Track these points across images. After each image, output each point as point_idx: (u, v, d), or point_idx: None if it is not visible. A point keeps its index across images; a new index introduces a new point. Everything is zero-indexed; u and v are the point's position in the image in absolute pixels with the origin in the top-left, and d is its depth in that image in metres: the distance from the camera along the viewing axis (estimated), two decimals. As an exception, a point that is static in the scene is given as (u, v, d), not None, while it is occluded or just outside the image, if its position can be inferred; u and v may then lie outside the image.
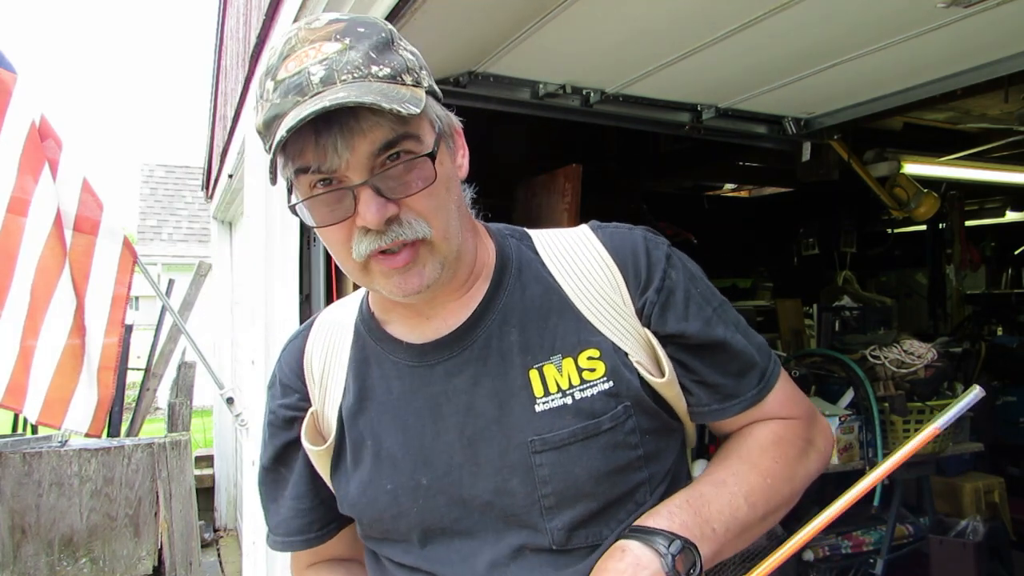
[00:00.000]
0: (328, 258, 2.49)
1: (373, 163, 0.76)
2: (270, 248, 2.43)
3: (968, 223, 5.01)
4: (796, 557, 2.81)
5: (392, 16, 1.61)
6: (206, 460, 5.89)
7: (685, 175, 4.26)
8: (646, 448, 0.87)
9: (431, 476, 0.87)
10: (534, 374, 0.86)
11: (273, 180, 0.81)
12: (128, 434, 3.69)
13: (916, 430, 2.81)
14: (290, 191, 0.81)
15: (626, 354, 0.87)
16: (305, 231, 2.49)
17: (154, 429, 5.81)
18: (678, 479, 0.93)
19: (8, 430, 3.64)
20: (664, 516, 0.83)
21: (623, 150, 3.72)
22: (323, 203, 0.78)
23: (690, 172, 4.17)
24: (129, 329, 3.58)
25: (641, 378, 0.87)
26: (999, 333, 4.76)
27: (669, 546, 0.79)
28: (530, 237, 0.96)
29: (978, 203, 5.18)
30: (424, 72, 0.82)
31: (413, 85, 0.79)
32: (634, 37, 1.97)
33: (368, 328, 0.95)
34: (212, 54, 5.12)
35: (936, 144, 3.55)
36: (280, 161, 0.78)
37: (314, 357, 0.97)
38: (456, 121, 0.88)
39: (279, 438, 0.98)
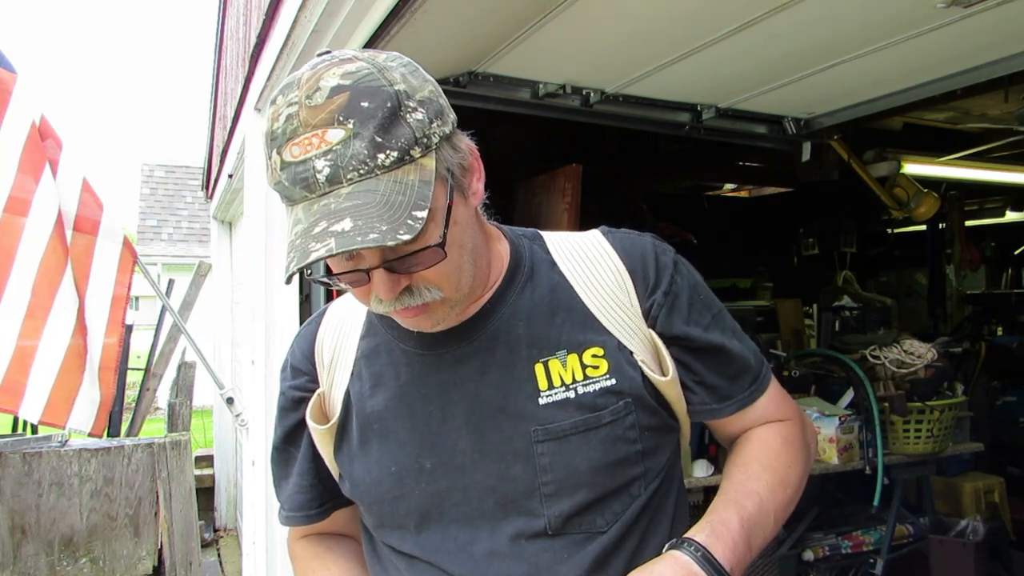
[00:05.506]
0: (328, 258, 2.49)
1: (384, 256, 0.80)
2: (270, 248, 2.44)
3: (968, 223, 5.00)
4: (796, 557, 2.81)
5: (392, 16, 1.61)
6: (206, 460, 5.89)
7: (685, 175, 4.25)
8: (644, 444, 0.91)
9: (435, 460, 0.90)
10: (539, 368, 0.90)
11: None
12: (128, 434, 3.69)
13: (916, 430, 2.81)
14: None
15: (631, 352, 0.91)
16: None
17: (154, 429, 5.80)
18: (672, 476, 0.98)
19: (8, 430, 3.63)
20: (729, 546, 0.85)
21: (623, 150, 3.72)
22: (341, 272, 0.82)
23: (690, 172, 4.17)
24: (129, 329, 3.57)
25: (644, 376, 0.91)
26: (999, 333, 4.76)
27: None
28: (542, 238, 1.00)
29: (978, 203, 5.17)
30: (436, 124, 0.80)
31: (422, 156, 0.78)
32: (634, 37, 1.97)
33: (380, 317, 0.98)
34: (212, 54, 5.12)
35: (936, 144, 3.55)
36: None
37: (325, 342, 1.02)
38: (470, 149, 0.87)
39: (288, 418, 1.03)
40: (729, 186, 4.77)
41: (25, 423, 3.30)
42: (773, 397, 1.01)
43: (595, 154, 3.53)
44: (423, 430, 0.91)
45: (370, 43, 1.74)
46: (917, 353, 2.90)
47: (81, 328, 2.70)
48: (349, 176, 0.74)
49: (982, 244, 5.52)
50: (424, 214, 0.75)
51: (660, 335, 0.93)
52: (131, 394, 4.96)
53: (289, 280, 0.78)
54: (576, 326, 0.91)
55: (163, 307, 3.67)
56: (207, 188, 6.05)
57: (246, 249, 3.00)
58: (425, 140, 0.78)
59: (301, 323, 2.50)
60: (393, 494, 0.92)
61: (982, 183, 4.21)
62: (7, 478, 2.68)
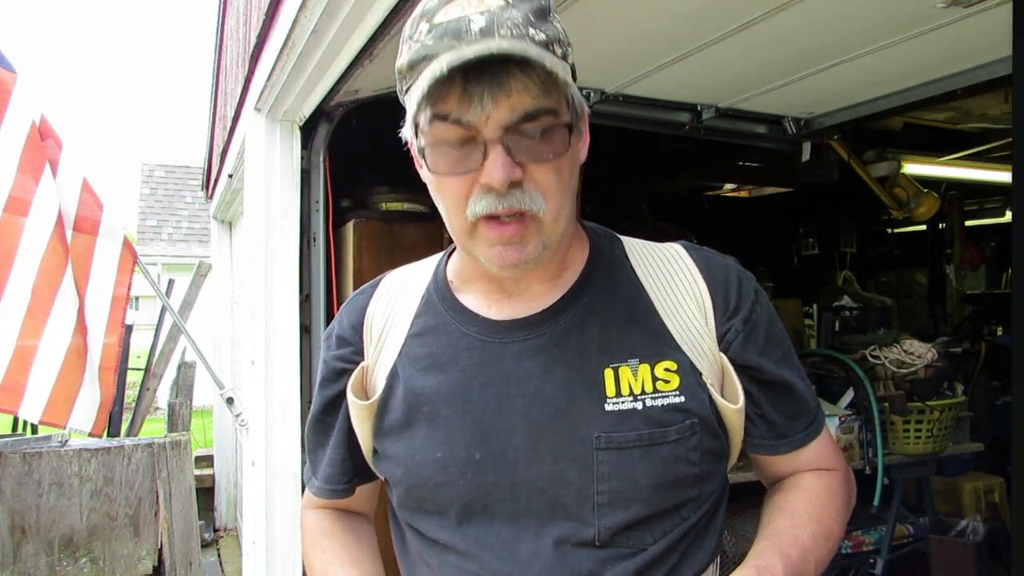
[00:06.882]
0: (328, 258, 2.49)
1: (510, 126, 0.77)
2: (270, 248, 2.43)
3: (968, 223, 5.00)
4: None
5: (392, 16, 1.61)
6: (206, 460, 5.89)
7: (685, 175, 4.25)
8: (702, 467, 0.88)
9: (485, 452, 0.87)
10: (608, 373, 0.87)
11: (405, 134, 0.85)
12: (128, 434, 3.69)
13: (916, 430, 2.81)
14: (416, 138, 0.84)
15: (700, 374, 0.89)
16: (305, 231, 2.49)
17: (154, 429, 5.81)
18: (721, 502, 0.95)
19: (8, 430, 3.64)
20: None
21: (623, 150, 3.72)
22: (451, 152, 0.80)
23: (690, 172, 4.16)
24: (129, 329, 3.58)
25: (711, 400, 0.89)
26: (999, 333, 4.76)
27: None
28: (621, 241, 0.98)
29: (978, 203, 5.17)
30: (570, 49, 0.83)
31: (562, 57, 0.80)
32: (634, 37, 1.97)
33: (441, 296, 0.96)
34: (212, 54, 5.12)
35: (936, 144, 3.55)
36: (418, 105, 0.79)
37: (376, 314, 0.99)
38: (586, 107, 0.89)
39: (329, 389, 1.01)
40: (729, 186, 4.77)
41: (25, 423, 3.31)
42: (824, 444, 1.00)
43: (595, 154, 3.50)
44: (476, 420, 0.88)
45: (370, 43, 1.74)
46: (917, 353, 2.91)
47: (81, 328, 2.70)
48: (502, 32, 0.74)
49: (982, 244, 5.52)
50: (567, 77, 0.78)
51: (732, 360, 0.91)
52: (131, 394, 4.96)
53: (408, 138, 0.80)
54: (650, 337, 0.89)
55: (163, 307, 3.67)
56: (207, 188, 6.05)
57: (246, 249, 3.00)
58: (564, 49, 0.81)
59: (301, 323, 2.51)
60: (436, 481, 0.89)
61: (982, 183, 4.21)
62: (7, 478, 2.69)
